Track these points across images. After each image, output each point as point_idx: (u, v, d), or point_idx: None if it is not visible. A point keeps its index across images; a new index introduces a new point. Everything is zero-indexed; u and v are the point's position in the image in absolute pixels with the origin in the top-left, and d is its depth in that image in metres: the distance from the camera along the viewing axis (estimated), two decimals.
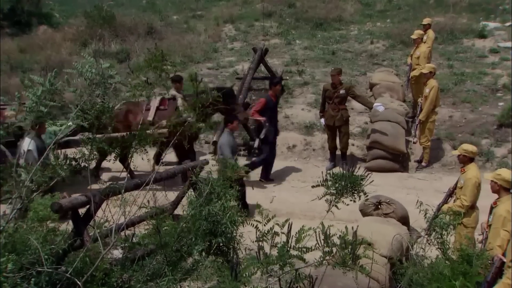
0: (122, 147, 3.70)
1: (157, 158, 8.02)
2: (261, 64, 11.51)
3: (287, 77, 12.15)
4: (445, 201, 6.17)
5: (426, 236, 4.25)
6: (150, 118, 8.21)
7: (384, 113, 9.45)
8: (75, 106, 3.50)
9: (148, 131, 3.62)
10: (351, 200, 3.73)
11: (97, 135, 3.48)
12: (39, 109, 3.40)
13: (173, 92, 8.62)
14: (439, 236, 4.02)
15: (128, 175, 4.43)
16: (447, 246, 4.03)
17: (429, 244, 4.14)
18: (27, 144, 6.96)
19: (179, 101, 8.42)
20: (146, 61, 3.48)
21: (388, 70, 11.53)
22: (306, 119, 10.81)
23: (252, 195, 7.91)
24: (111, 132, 7.65)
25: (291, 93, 11.88)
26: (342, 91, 9.02)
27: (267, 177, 8.86)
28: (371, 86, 10.90)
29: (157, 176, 4.05)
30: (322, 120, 9.30)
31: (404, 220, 6.02)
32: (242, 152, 9.43)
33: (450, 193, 6.21)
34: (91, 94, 3.47)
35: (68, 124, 8.12)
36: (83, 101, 3.48)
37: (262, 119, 8.63)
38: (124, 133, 3.75)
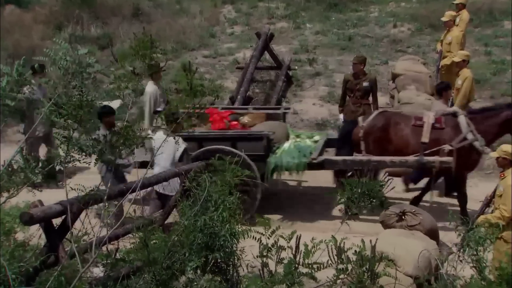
0: None
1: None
2: (266, 52, 11.53)
3: (296, 67, 12.15)
4: (482, 212, 6.15)
5: (459, 252, 4.25)
6: (425, 139, 7.47)
7: (410, 108, 9.43)
8: (48, 100, 3.51)
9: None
10: (369, 209, 3.73)
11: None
12: (5, 103, 3.41)
13: (455, 108, 7.88)
14: (474, 253, 4.02)
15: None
16: (484, 264, 4.03)
17: (462, 261, 4.14)
18: None
19: (462, 119, 7.59)
20: (133, 48, 3.49)
21: (414, 59, 11.52)
22: (318, 115, 10.81)
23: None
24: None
25: (300, 85, 11.88)
26: (365, 84, 9.00)
27: None
28: (394, 77, 10.89)
29: (145, 182, 4.06)
30: (341, 116, 9.30)
31: (432, 233, 6.02)
32: None
33: (488, 202, 6.19)
34: (67, 86, 3.48)
35: (315, 138, 8.13)
36: (57, 94, 3.49)
37: None
38: None
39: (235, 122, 8.15)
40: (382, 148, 7.63)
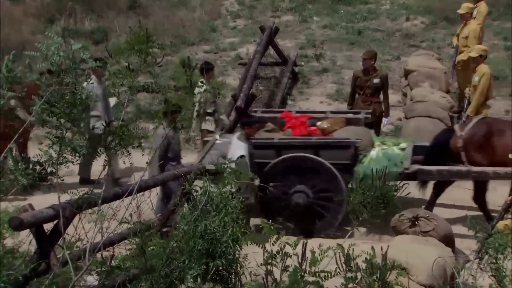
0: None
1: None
2: (270, 47, 11.53)
3: (302, 63, 12.16)
4: (501, 217, 6.14)
5: (476, 260, 4.24)
6: None
7: (423, 107, 9.43)
8: (39, 98, 3.52)
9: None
10: (381, 212, 3.72)
11: None
12: None
13: None
14: (493, 261, 4.01)
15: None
16: (504, 273, 4.01)
17: (480, 270, 4.13)
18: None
19: None
20: (128, 43, 3.50)
21: (428, 54, 11.52)
22: None
23: None
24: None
25: (306, 82, 11.88)
26: (376, 80, 9.00)
27: None
28: (407, 73, 10.89)
29: (142, 184, 4.07)
30: None
31: (448, 239, 6.01)
32: None
33: (507, 207, 6.18)
34: (59, 83, 3.49)
35: (402, 145, 7.76)
36: (49, 91, 3.50)
37: None
38: None
39: (314, 128, 7.97)
40: (486, 159, 7.33)
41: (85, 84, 3.56)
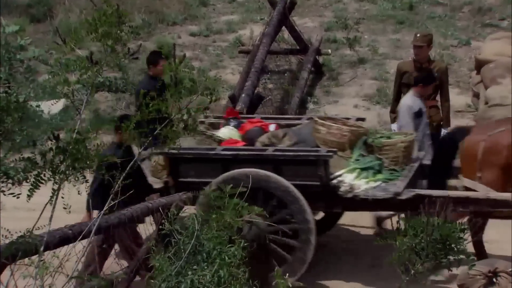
0: None
1: None
2: (284, 28, 11.58)
3: (329, 50, 12.18)
4: None
5: None
6: None
7: (503, 112, 9.42)
8: None
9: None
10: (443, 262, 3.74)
11: None
12: None
13: None
14: None
15: None
16: None
17: None
18: None
19: None
20: (90, 23, 3.50)
21: (510, 37, 11.53)
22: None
23: None
24: None
25: (335, 78, 11.91)
26: None
27: None
28: (480, 64, 10.88)
29: (102, 223, 4.10)
30: (394, 125, 9.28)
31: None
32: None
33: None
34: None
35: None
36: None
37: None
38: None
39: None
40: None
41: None
